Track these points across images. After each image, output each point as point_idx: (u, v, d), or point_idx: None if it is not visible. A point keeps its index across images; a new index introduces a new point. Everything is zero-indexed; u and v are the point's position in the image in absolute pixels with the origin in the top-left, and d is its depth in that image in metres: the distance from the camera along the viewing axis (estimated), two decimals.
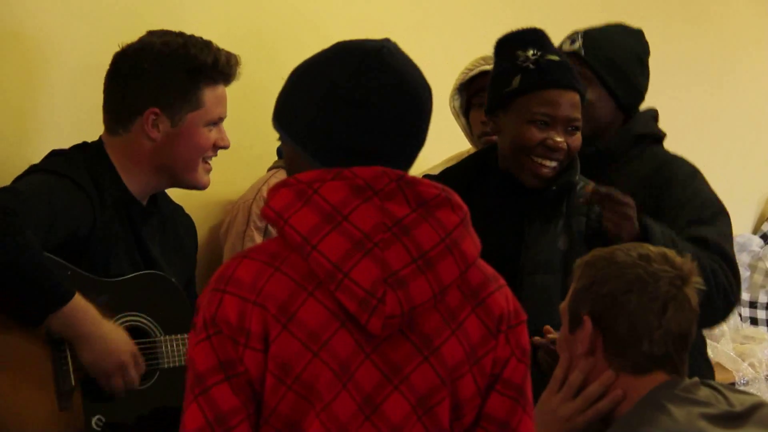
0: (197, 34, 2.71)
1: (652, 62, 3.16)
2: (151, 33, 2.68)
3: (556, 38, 2.93)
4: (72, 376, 2.49)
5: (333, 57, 1.90)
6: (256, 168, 3.31)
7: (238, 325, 1.80)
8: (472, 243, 1.90)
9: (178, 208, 2.89)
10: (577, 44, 3.01)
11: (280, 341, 1.80)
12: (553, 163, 2.78)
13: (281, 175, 3.15)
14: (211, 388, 1.80)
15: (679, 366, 2.10)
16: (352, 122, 1.85)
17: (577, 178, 2.80)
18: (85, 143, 2.69)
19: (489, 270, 1.96)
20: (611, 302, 2.07)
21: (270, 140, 3.26)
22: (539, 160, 2.78)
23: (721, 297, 2.84)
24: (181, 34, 2.66)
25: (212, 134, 2.68)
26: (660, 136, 3.12)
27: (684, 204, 2.93)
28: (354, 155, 1.85)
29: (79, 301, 2.43)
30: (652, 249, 2.14)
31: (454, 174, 2.91)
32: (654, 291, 2.06)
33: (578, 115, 2.78)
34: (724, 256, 2.88)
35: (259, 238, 3.05)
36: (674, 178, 2.98)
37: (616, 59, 3.02)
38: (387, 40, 1.91)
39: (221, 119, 2.71)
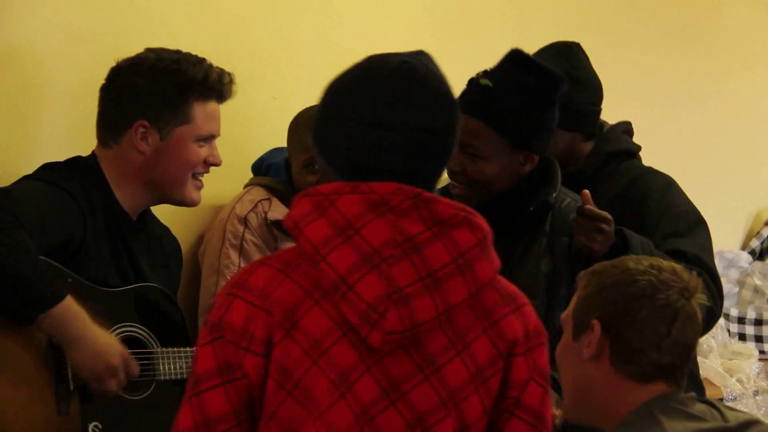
0: (187, 48, 2.72)
1: (642, 81, 3.17)
2: (148, 50, 2.70)
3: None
4: (71, 381, 2.50)
5: (357, 78, 1.92)
6: (241, 177, 3.32)
7: (242, 330, 1.83)
8: (488, 264, 1.90)
9: (166, 229, 2.91)
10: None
11: (282, 346, 1.83)
12: (458, 186, 2.78)
13: (255, 192, 3.16)
14: (205, 392, 1.83)
15: (680, 378, 2.11)
16: (370, 142, 1.88)
17: (553, 196, 2.78)
18: (78, 157, 2.71)
19: (509, 289, 1.97)
20: (623, 308, 2.08)
21: (250, 155, 3.30)
22: (450, 181, 2.80)
23: (703, 310, 2.84)
24: (177, 52, 2.69)
25: (203, 151, 2.69)
26: (633, 151, 3.12)
27: (659, 217, 2.91)
28: (373, 173, 1.88)
29: (70, 303, 2.44)
30: (661, 260, 2.16)
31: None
32: (665, 299, 2.08)
33: (473, 141, 2.71)
34: (704, 267, 2.87)
35: (234, 255, 3.06)
36: (648, 193, 2.97)
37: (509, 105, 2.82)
38: (418, 54, 1.93)
39: (213, 136, 2.72)
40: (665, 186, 3.02)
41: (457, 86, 2.94)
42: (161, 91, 2.63)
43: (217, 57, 2.79)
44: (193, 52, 2.72)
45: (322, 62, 3.46)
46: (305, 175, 3.08)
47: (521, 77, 2.72)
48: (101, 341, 2.50)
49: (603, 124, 3.18)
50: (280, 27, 3.50)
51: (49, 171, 2.64)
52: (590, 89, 3.06)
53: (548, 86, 2.73)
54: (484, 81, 2.73)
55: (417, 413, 1.86)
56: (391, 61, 1.90)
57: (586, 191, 2.71)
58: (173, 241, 2.92)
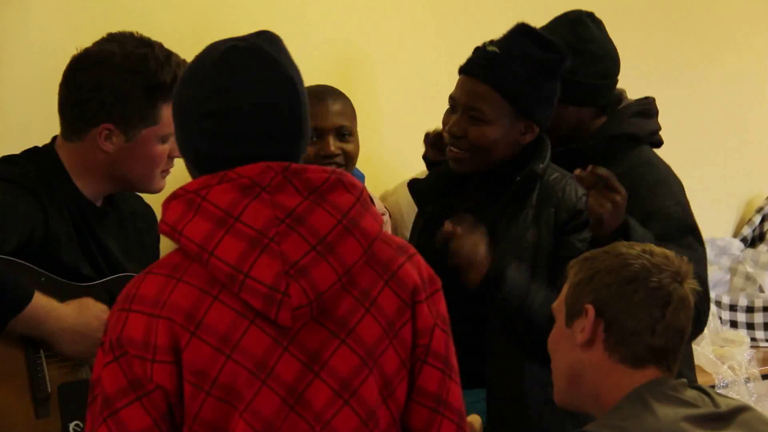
0: (167, 35, 2.68)
1: (632, 64, 3.13)
2: (111, 38, 2.62)
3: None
4: (48, 383, 2.48)
5: (188, 69, 1.92)
6: None
7: (143, 342, 1.81)
8: (373, 218, 1.91)
9: (138, 201, 2.85)
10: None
11: (191, 349, 1.81)
12: (456, 151, 2.79)
13: None
14: (120, 410, 1.81)
15: (672, 363, 2.11)
16: (205, 132, 1.87)
17: (541, 167, 2.77)
18: (36, 148, 2.66)
19: (396, 241, 1.99)
20: (617, 291, 2.07)
21: None
22: (448, 147, 2.81)
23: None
24: (142, 42, 2.61)
25: (166, 146, 2.65)
26: (639, 136, 3.01)
27: (646, 219, 2.78)
28: (229, 162, 1.86)
29: (39, 299, 2.42)
30: (652, 246, 2.15)
31: (442, 174, 2.90)
32: (658, 282, 2.08)
33: (477, 104, 2.74)
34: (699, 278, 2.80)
35: None
36: (636, 188, 2.83)
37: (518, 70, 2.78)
38: (257, 36, 1.90)
39: None
40: (656, 183, 2.92)
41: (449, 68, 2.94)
42: (129, 96, 2.57)
43: (194, 46, 2.76)
44: (194, 44, 2.66)
45: (324, 53, 3.46)
46: None
47: (527, 47, 2.73)
48: (79, 323, 2.48)
49: (622, 98, 3.08)
50: (282, 17, 3.49)
51: (5, 165, 2.59)
52: (599, 62, 2.97)
53: (552, 58, 2.74)
54: (492, 48, 2.74)
55: (341, 379, 1.87)
56: (219, 48, 1.89)
57: (579, 170, 2.68)
58: (148, 214, 2.87)
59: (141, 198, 2.86)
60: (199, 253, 1.81)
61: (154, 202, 2.93)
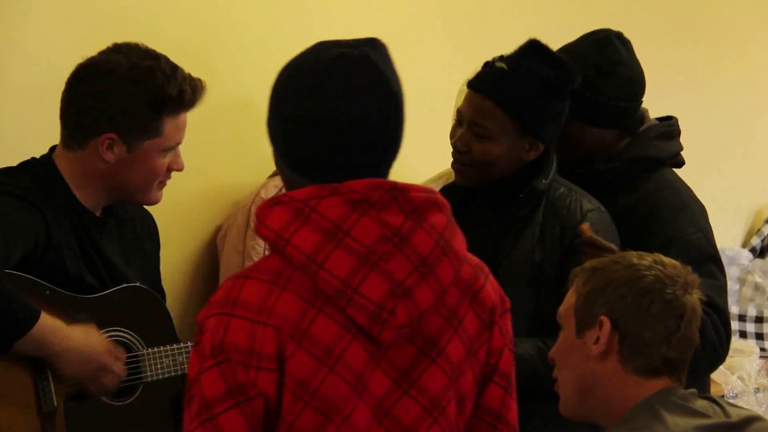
0: (186, 50, 2.67)
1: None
2: (117, 48, 2.60)
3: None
4: (54, 398, 2.48)
5: (291, 72, 1.89)
6: (261, 170, 3.31)
7: (248, 349, 1.81)
8: (461, 239, 1.93)
9: (136, 206, 2.82)
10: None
11: (295, 358, 1.81)
12: (460, 165, 2.79)
13: (278, 181, 3.16)
14: (219, 415, 1.80)
15: (683, 373, 2.11)
16: (312, 140, 1.85)
17: (543, 183, 2.76)
18: (33, 159, 2.65)
19: (473, 259, 2.00)
20: (632, 303, 2.06)
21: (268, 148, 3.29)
22: (453, 160, 2.81)
23: (709, 350, 2.74)
24: (148, 54, 2.59)
25: (166, 159, 2.64)
26: (661, 159, 2.94)
27: (666, 245, 2.69)
28: (332, 172, 1.85)
29: (45, 320, 2.40)
30: (660, 255, 2.14)
31: (450, 189, 2.90)
32: (672, 293, 2.07)
33: (482, 120, 2.72)
34: (715, 309, 2.76)
35: (261, 239, 3.06)
36: (656, 213, 2.82)
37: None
38: (365, 43, 1.88)
39: (178, 144, 2.67)
40: (678, 208, 2.86)
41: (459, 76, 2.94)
42: (134, 107, 2.56)
43: (228, 54, 2.76)
44: (198, 49, 2.66)
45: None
46: None
47: (535, 64, 2.71)
48: (84, 345, 2.48)
49: (644, 118, 3.02)
50: (286, 20, 3.49)
51: (3, 178, 2.58)
52: (627, 85, 2.92)
53: (561, 77, 2.72)
54: (500, 64, 2.73)
55: (431, 397, 1.89)
56: (328, 53, 1.87)
57: (584, 226, 2.67)
58: (147, 220, 2.85)
59: (140, 206, 2.85)
60: (307, 264, 1.81)
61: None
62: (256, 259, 3.02)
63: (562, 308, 2.16)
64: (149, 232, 2.84)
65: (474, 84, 2.76)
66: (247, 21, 3.40)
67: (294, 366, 1.81)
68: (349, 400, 1.84)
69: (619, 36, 2.98)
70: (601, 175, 2.91)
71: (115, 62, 2.57)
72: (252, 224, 3.09)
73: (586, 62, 2.84)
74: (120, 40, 2.64)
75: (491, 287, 2.00)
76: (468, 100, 2.77)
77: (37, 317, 2.38)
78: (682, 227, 2.83)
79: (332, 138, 1.84)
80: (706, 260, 2.82)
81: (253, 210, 3.11)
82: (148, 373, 2.62)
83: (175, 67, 2.60)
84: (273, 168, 3.26)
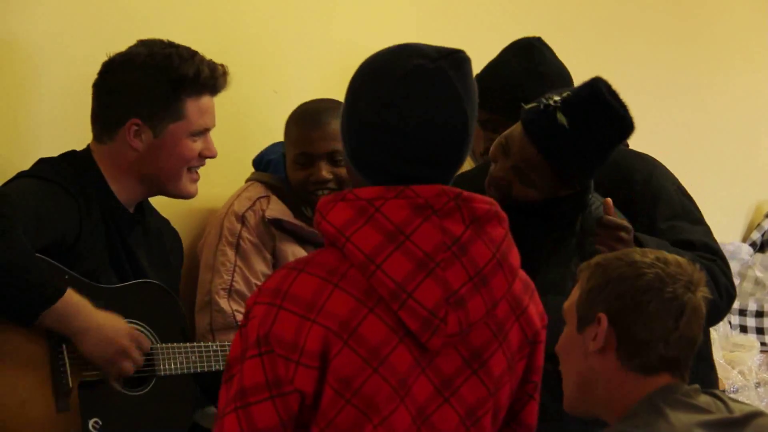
0: (186, 42, 2.71)
1: (641, 71, 3.13)
2: (140, 43, 2.68)
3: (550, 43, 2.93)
4: (69, 378, 2.50)
5: (365, 76, 1.90)
6: (241, 175, 3.31)
7: (292, 343, 1.82)
8: (516, 253, 1.95)
9: (165, 222, 2.89)
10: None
11: (341, 357, 1.83)
12: (495, 193, 2.72)
13: (254, 189, 3.15)
14: (253, 405, 1.82)
15: (684, 370, 2.10)
16: (390, 151, 1.87)
17: (590, 197, 2.72)
18: (73, 151, 2.70)
19: (524, 275, 2.03)
20: (631, 301, 2.06)
21: (252, 149, 3.29)
22: (488, 182, 2.75)
23: (725, 296, 2.82)
24: (169, 45, 2.66)
25: (197, 144, 2.68)
26: None
27: (653, 202, 2.83)
28: (396, 179, 1.87)
29: (71, 296, 2.44)
30: (665, 252, 2.14)
31: (468, 182, 2.87)
32: (672, 293, 2.06)
33: (529, 171, 2.62)
34: (713, 251, 2.84)
35: (231, 253, 3.04)
36: (632, 174, 2.88)
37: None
38: (448, 55, 1.88)
39: (207, 129, 2.70)
40: (650, 167, 2.95)
41: None
42: (153, 89, 2.61)
43: (217, 51, 2.78)
44: (193, 47, 2.70)
45: (323, 56, 3.44)
46: (295, 170, 3.05)
47: (598, 121, 2.58)
48: (107, 326, 2.50)
49: None
50: (281, 20, 3.49)
51: (44, 166, 2.63)
52: (556, 82, 2.93)
53: (619, 134, 2.63)
54: (561, 118, 2.58)
55: (468, 407, 1.91)
56: (405, 63, 1.87)
57: (609, 200, 2.67)
58: (173, 236, 2.91)
59: (168, 221, 2.90)
60: (365, 263, 1.83)
61: (175, 218, 2.96)
62: (225, 275, 3.00)
63: (566, 304, 2.17)
64: (174, 247, 2.89)
65: (530, 128, 2.62)
66: (238, 23, 3.41)
67: (339, 364, 1.82)
68: (390, 402, 1.85)
69: (539, 40, 3.07)
70: None
71: (134, 53, 2.64)
72: (224, 239, 3.06)
73: (513, 68, 2.94)
74: (121, 38, 2.68)
75: (535, 306, 2.02)
76: (520, 141, 2.63)
77: (63, 291, 2.42)
78: (661, 183, 2.92)
79: (400, 147, 1.86)
80: (690, 204, 2.92)
81: (226, 223, 3.08)
82: (162, 367, 2.63)
83: (194, 52, 2.66)
84: (251, 170, 3.26)
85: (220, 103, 2.77)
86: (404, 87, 1.86)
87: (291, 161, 3.07)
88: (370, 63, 1.92)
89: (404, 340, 1.84)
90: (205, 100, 2.68)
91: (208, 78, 2.66)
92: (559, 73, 3.03)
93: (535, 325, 2.00)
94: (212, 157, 2.74)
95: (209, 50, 2.73)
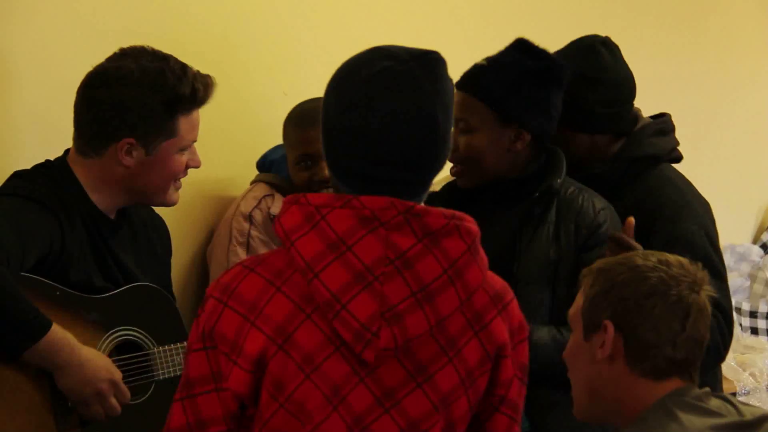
0: (194, 44, 2.69)
1: (648, 70, 3.11)
2: (124, 53, 2.61)
3: (553, 45, 2.92)
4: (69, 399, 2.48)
5: (343, 79, 1.89)
6: (251, 176, 3.31)
7: (233, 341, 1.84)
8: (478, 269, 1.89)
9: (149, 212, 2.84)
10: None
11: (276, 360, 1.83)
12: (454, 166, 2.81)
13: (259, 189, 3.19)
14: (199, 396, 1.86)
15: (694, 373, 2.09)
16: (358, 153, 1.86)
17: (558, 182, 2.77)
18: (48, 162, 2.65)
19: (497, 286, 1.97)
20: (635, 306, 2.05)
21: (262, 150, 3.29)
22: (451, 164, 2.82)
23: (712, 353, 2.67)
24: (156, 56, 2.60)
25: (184, 158, 2.66)
26: (659, 156, 2.97)
27: (672, 242, 2.77)
28: (362, 181, 1.86)
29: (55, 331, 2.40)
30: (666, 254, 2.13)
31: (454, 188, 2.91)
32: (677, 295, 2.05)
33: (464, 115, 2.76)
34: (719, 308, 2.78)
35: (242, 252, 3.08)
36: (661, 210, 2.84)
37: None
38: (420, 56, 1.87)
39: (194, 141, 2.68)
40: (680, 205, 2.88)
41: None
42: (150, 110, 2.57)
43: (226, 54, 2.76)
44: (202, 50, 2.68)
45: (333, 57, 3.41)
46: (297, 172, 3.09)
47: (516, 57, 2.75)
48: (89, 366, 2.46)
49: (638, 118, 3.04)
50: (291, 22, 3.49)
51: (19, 181, 2.58)
52: (611, 90, 2.94)
53: (541, 65, 2.75)
54: (481, 61, 2.78)
55: (410, 420, 1.88)
56: (375, 65, 1.86)
57: (631, 219, 2.67)
58: (159, 224, 2.87)
59: (150, 209, 2.85)
60: (305, 270, 1.82)
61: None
62: None
63: (571, 311, 2.16)
64: (161, 236, 2.85)
65: (458, 83, 2.76)
66: (247, 25, 3.40)
67: (274, 367, 1.83)
68: (323, 410, 1.84)
69: (604, 42, 3.00)
70: (600, 177, 2.93)
71: (125, 68, 2.58)
72: (234, 240, 3.09)
73: (571, 70, 2.85)
74: (130, 41, 2.65)
75: (506, 320, 1.96)
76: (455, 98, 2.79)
77: (48, 326, 2.38)
78: (686, 225, 2.86)
79: (365, 149, 1.85)
80: (710, 257, 2.84)
81: (234, 224, 3.11)
82: (160, 371, 2.62)
83: (184, 66, 2.62)
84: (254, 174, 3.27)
85: (232, 106, 2.76)
86: (368, 88, 1.84)
87: (293, 163, 3.11)
88: (342, 67, 1.91)
89: (340, 349, 1.84)
90: (195, 114, 2.66)
91: (202, 95, 2.63)
92: (616, 81, 2.95)
93: (500, 340, 1.94)
94: (197, 167, 2.71)
95: (219, 53, 2.72)
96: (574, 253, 2.74)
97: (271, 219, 3.11)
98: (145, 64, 2.58)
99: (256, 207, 3.13)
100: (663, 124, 3.04)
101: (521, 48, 2.78)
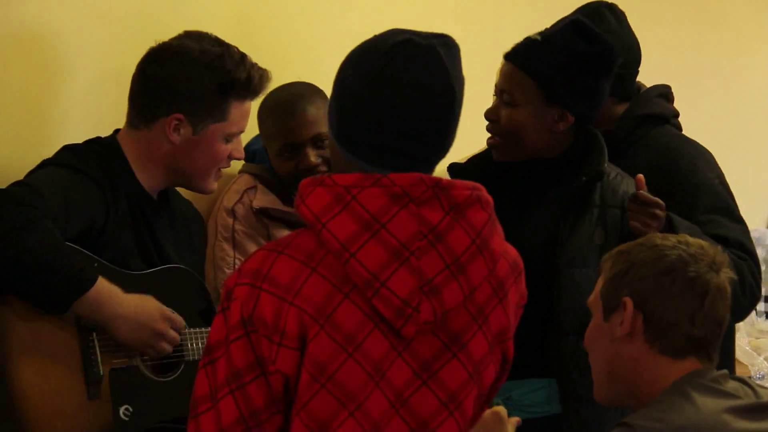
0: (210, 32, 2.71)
1: (662, 54, 3.12)
2: (188, 34, 2.68)
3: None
4: (101, 366, 2.51)
5: (364, 51, 1.90)
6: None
7: (273, 324, 1.84)
8: (499, 237, 1.94)
9: (188, 204, 2.91)
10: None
11: (317, 341, 1.84)
12: (492, 137, 2.80)
13: (242, 181, 3.15)
14: (248, 384, 1.84)
15: (712, 353, 2.10)
16: (377, 123, 1.86)
17: (605, 166, 2.77)
18: (98, 138, 2.70)
19: (512, 255, 2.02)
20: (653, 283, 2.07)
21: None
22: (488, 134, 2.82)
23: (747, 294, 2.83)
24: (218, 42, 2.67)
25: (228, 146, 2.70)
26: (665, 115, 3.05)
27: (693, 193, 2.86)
28: (382, 155, 1.88)
29: (102, 284, 2.45)
30: (687, 236, 2.15)
31: (481, 161, 2.89)
32: (695, 272, 2.06)
33: (509, 88, 2.75)
34: (747, 251, 2.85)
35: (228, 247, 3.06)
36: (677, 163, 2.91)
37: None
38: (436, 36, 1.89)
39: (241, 132, 2.73)
40: (695, 155, 2.96)
41: (476, 70, 2.95)
42: (204, 89, 2.63)
43: (241, 40, 2.78)
44: (217, 36, 2.70)
45: (347, 46, 3.43)
46: (282, 162, 3.06)
47: (570, 38, 2.73)
48: (140, 311, 2.51)
49: (640, 86, 3.12)
50: (304, 10, 3.49)
51: (69, 153, 2.63)
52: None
53: (594, 51, 2.73)
54: (535, 36, 2.75)
55: (449, 391, 1.91)
56: (396, 37, 1.88)
57: (641, 176, 2.69)
58: (197, 218, 2.93)
59: (191, 203, 2.92)
60: (340, 251, 1.83)
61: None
62: (226, 270, 3.01)
63: (591, 297, 2.17)
64: (198, 230, 2.91)
65: (508, 55, 2.77)
66: (262, 12, 3.40)
67: (314, 348, 1.84)
68: (365, 388, 1.85)
69: (610, 6, 3.04)
70: (611, 136, 2.94)
71: (187, 46, 2.64)
72: (219, 235, 3.07)
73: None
74: (143, 26, 2.68)
75: (521, 285, 2.03)
76: (501, 70, 2.79)
77: (95, 280, 2.43)
78: (705, 174, 2.94)
79: (387, 118, 1.86)
80: (729, 205, 2.93)
81: (219, 220, 3.10)
82: (190, 352, 2.64)
83: (243, 55, 2.68)
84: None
85: None
86: (391, 58, 1.86)
87: (275, 154, 3.07)
88: (360, 45, 1.92)
89: (379, 326, 1.85)
90: (248, 104, 2.72)
91: (256, 85, 2.69)
92: (621, 45, 2.95)
93: (514, 306, 2.01)
94: (240, 158, 2.77)
95: (233, 40, 2.73)
96: (619, 240, 2.71)
97: (253, 212, 3.08)
98: (205, 46, 2.65)
99: (238, 201, 3.10)
100: (665, 89, 3.11)
101: (576, 28, 2.75)
